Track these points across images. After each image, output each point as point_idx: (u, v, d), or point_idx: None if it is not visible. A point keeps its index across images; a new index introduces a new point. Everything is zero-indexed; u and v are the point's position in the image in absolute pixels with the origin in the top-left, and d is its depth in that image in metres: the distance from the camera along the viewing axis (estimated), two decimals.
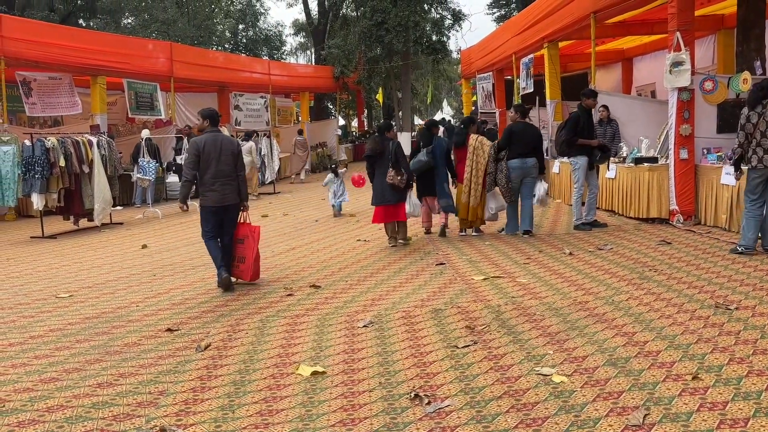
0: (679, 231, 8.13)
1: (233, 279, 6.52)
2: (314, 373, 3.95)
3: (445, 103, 45.41)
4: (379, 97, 30.47)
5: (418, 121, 33.87)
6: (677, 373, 3.61)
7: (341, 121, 31.85)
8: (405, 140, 17.14)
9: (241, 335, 4.87)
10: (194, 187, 6.61)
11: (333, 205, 11.76)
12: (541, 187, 8.49)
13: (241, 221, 6.60)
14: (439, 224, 8.98)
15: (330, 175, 11.74)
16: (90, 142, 11.07)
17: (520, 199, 8.53)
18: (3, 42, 12.53)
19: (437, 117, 41.46)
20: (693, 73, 8.30)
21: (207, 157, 6.32)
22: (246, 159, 15.30)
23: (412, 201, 8.31)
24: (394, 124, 9.49)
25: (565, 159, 9.78)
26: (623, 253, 7.05)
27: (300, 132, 20.59)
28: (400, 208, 8.18)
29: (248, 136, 16.19)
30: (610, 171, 9.67)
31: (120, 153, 13.65)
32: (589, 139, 8.60)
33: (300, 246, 8.82)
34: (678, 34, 8.28)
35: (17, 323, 5.55)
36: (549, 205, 9.33)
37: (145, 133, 14.49)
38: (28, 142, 10.51)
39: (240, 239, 6.52)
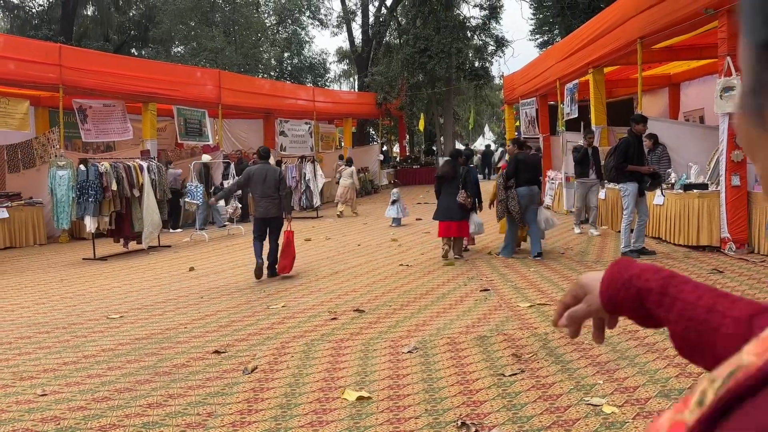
0: (732, 259, 7.90)
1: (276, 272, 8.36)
2: (360, 398, 3.95)
3: (486, 128, 45.33)
4: (421, 125, 30.66)
5: (459, 146, 33.87)
6: None
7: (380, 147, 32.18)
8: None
9: (286, 358, 4.91)
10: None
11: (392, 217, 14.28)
12: (543, 212, 9.12)
13: (285, 229, 8.33)
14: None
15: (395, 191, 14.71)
16: (141, 167, 11.41)
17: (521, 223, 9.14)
18: (62, 71, 13.08)
19: (479, 142, 41.47)
20: None
21: (255, 181, 8.32)
22: (347, 181, 17.39)
23: (476, 221, 9.13)
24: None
25: (613, 185, 9.65)
26: None
27: (341, 157, 20.72)
28: (463, 226, 9.05)
29: (349, 162, 18.13)
30: (657, 197, 9.49)
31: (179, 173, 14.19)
32: (640, 165, 8.49)
33: (343, 270, 8.87)
34: (728, 59, 8.13)
35: (71, 343, 5.71)
36: (555, 224, 9.65)
37: (206, 158, 14.96)
38: (82, 167, 10.87)
39: (285, 244, 8.31)
